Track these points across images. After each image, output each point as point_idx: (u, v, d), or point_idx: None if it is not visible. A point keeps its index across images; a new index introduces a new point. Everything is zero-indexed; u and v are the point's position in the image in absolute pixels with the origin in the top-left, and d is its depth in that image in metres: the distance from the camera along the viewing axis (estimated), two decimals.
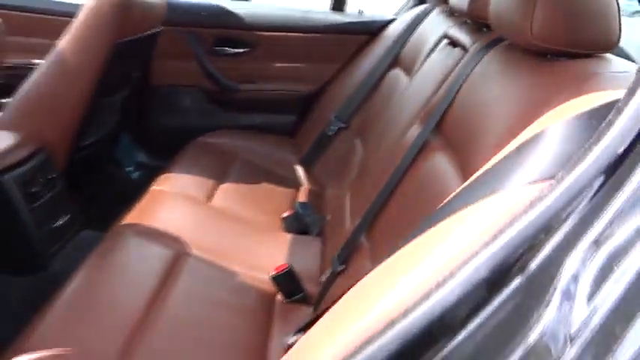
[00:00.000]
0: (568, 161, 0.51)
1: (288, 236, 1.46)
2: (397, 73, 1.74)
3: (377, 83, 1.81)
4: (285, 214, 1.53)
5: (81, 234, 1.49)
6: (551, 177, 0.52)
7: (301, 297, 1.20)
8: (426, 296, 0.51)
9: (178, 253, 1.23)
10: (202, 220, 1.42)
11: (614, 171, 0.49)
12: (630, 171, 0.48)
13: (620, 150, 0.49)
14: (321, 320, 0.66)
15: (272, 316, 1.15)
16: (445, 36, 1.39)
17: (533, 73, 0.78)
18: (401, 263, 0.60)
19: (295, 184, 1.78)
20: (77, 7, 1.53)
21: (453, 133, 0.97)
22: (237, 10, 2.03)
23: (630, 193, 0.47)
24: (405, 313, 0.52)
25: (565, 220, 0.49)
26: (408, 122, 1.19)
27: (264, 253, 1.33)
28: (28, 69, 1.51)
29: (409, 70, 1.59)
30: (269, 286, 1.20)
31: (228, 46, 2.01)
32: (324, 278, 1.19)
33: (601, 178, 0.49)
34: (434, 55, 1.39)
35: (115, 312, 1.03)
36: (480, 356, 0.49)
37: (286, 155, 1.93)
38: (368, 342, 0.52)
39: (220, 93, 2.03)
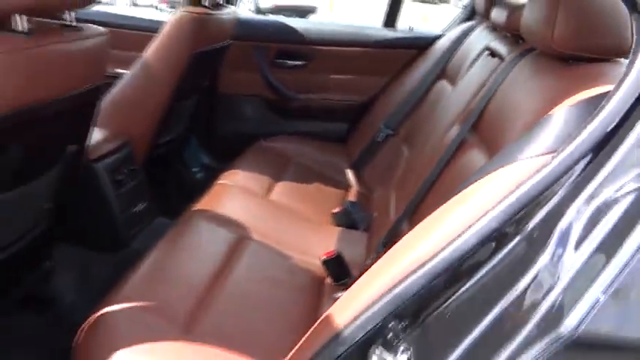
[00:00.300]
0: (567, 138, 0.63)
1: (338, 229, 1.60)
2: (443, 84, 1.86)
3: (424, 94, 1.94)
4: (335, 210, 1.67)
5: (155, 221, 1.69)
6: (554, 151, 0.64)
7: (348, 281, 1.33)
8: (450, 243, 0.65)
9: (241, 237, 1.39)
10: (262, 211, 1.58)
11: (604, 145, 0.60)
12: (617, 145, 0.59)
13: (609, 128, 0.61)
14: (364, 274, 0.79)
15: (321, 297, 1.28)
16: (487, 48, 1.51)
17: (554, 76, 0.90)
18: (431, 223, 0.73)
19: (345, 186, 1.92)
20: (159, 23, 1.75)
21: (487, 132, 1.09)
22: (296, 26, 2.21)
23: (617, 161, 0.59)
24: (433, 257, 0.65)
25: (564, 183, 0.61)
26: (449, 124, 1.32)
27: (315, 242, 1.47)
28: (113, 77, 1.74)
29: (453, 81, 1.72)
30: (319, 270, 1.34)
31: (288, 59, 2.20)
32: (368, 262, 1.32)
33: (593, 151, 0.61)
34: (476, 66, 1.51)
35: (186, 280, 1.19)
36: (491, 291, 0.62)
37: (338, 160, 2.08)
38: (403, 280, 0.66)
39: (279, 102, 2.22)
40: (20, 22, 0.93)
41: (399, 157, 1.85)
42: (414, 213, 1.23)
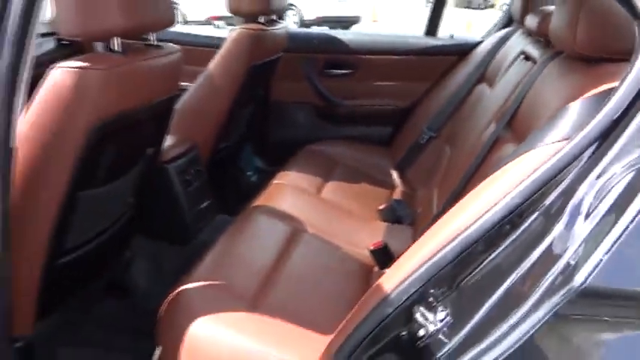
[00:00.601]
0: (580, 126, 0.74)
1: (384, 224, 1.73)
2: (483, 87, 1.97)
3: (465, 97, 2.05)
4: (381, 207, 1.80)
5: (217, 217, 1.86)
6: (568, 137, 0.75)
7: None
8: (479, 218, 0.77)
9: (296, 229, 1.54)
10: (314, 207, 1.73)
11: (611, 131, 0.71)
12: (622, 130, 0.71)
13: (615, 116, 0.72)
14: (407, 250, 0.92)
15: (370, 283, 1.41)
16: (522, 52, 1.61)
17: (577, 75, 1.00)
18: (465, 203, 0.85)
19: (390, 186, 2.05)
20: (219, 39, 1.94)
21: (520, 128, 1.20)
22: (342, 38, 2.36)
23: (622, 144, 0.70)
24: (465, 229, 0.78)
25: (577, 165, 0.73)
26: (487, 123, 1.43)
27: (363, 235, 1.60)
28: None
29: (492, 84, 1.82)
30: (368, 259, 1.47)
31: (335, 68, 2.35)
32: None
33: (601, 137, 0.72)
34: (512, 69, 1.62)
35: (249, 265, 1.34)
36: (515, 256, 0.74)
37: (383, 161, 2.20)
38: (441, 250, 0.79)
39: (327, 108, 2.37)
40: (117, 43, 1.12)
41: (441, 157, 1.96)
42: (454, 203, 1.35)
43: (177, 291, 1.19)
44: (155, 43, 1.27)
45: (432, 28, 2.45)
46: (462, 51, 2.29)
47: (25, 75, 0.84)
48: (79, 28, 1.06)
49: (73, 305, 1.48)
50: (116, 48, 1.12)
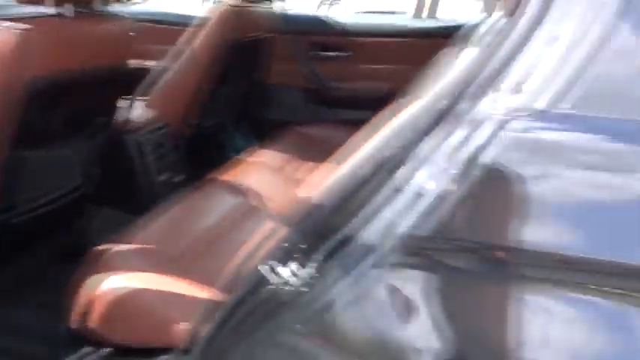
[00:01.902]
0: None
1: None
2: None
3: None
4: None
5: None
6: None
7: None
8: None
9: (250, 205, 1.52)
10: (279, 185, 1.70)
11: None
12: None
13: None
14: None
15: None
16: None
17: None
18: None
19: None
20: (193, 17, 1.93)
21: None
22: (338, 19, 2.32)
23: None
24: None
25: None
26: None
27: None
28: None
29: None
30: None
31: (328, 51, 2.30)
32: None
33: None
34: None
35: (188, 233, 1.33)
36: None
37: None
38: None
39: (320, 91, 2.33)
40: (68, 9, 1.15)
41: None
42: None
43: (99, 248, 1.20)
44: (106, 12, 1.29)
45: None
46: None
47: None
48: None
49: (28, 266, 1.52)
50: (67, 13, 1.15)
